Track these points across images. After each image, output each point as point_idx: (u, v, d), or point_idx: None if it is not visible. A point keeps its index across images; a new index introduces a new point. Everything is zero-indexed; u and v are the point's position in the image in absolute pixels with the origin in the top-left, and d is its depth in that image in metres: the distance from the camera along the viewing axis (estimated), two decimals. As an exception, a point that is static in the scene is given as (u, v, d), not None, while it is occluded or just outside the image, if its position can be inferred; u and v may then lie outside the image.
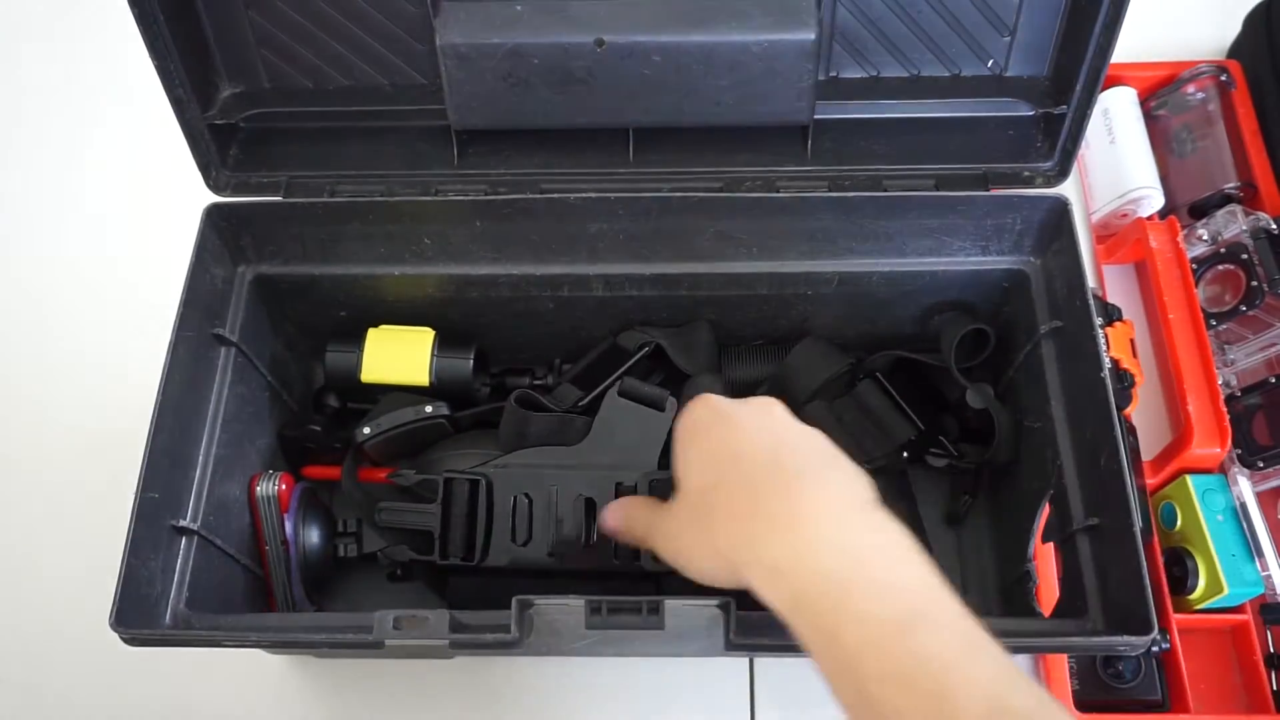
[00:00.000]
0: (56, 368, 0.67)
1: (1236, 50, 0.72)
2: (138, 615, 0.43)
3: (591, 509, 0.50)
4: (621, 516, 0.46)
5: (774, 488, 0.37)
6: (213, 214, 0.52)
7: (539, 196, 0.52)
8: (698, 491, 0.40)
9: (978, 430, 0.57)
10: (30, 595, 0.61)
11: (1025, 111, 0.53)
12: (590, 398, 0.56)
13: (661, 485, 0.48)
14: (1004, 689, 0.30)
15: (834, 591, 0.33)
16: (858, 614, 0.32)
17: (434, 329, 0.57)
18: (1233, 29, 0.73)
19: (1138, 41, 0.61)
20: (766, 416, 0.41)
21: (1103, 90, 0.61)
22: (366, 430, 0.54)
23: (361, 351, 0.56)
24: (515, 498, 0.51)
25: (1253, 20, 0.71)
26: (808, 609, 0.34)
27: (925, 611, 0.32)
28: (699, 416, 0.42)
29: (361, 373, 0.56)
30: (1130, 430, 0.60)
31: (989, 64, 0.52)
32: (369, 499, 0.56)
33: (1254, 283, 0.60)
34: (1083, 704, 0.55)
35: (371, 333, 0.56)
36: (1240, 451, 0.57)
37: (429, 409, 0.55)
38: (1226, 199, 0.65)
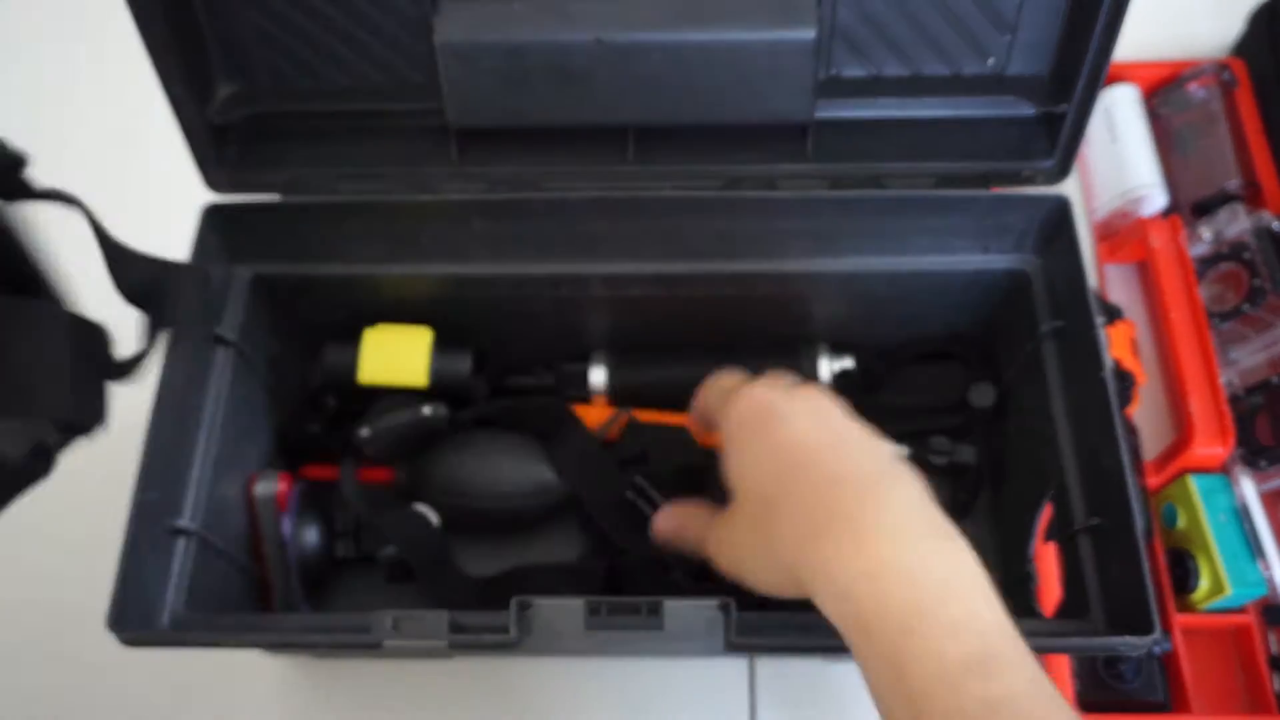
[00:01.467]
0: (56, 367, 0.67)
1: (1239, 49, 0.72)
2: (135, 616, 0.43)
3: None
4: (675, 525, 0.46)
5: (840, 503, 0.35)
6: (211, 213, 0.52)
7: (538, 195, 0.52)
8: (759, 501, 0.39)
9: (980, 429, 0.57)
10: (28, 596, 0.61)
11: (1026, 110, 0.52)
12: None
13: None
14: None
15: (904, 624, 0.32)
16: (927, 651, 0.31)
17: (433, 328, 0.57)
18: (1235, 27, 0.72)
19: (1140, 39, 0.61)
20: (823, 414, 0.39)
21: (1104, 88, 0.60)
22: (365, 432, 0.54)
23: (358, 352, 0.56)
24: None
25: (1256, 18, 0.71)
26: (876, 639, 0.33)
27: (998, 653, 0.32)
28: (748, 412, 0.40)
29: (359, 374, 0.55)
30: (1132, 430, 0.59)
31: (990, 62, 0.52)
32: (369, 500, 0.56)
33: (1257, 282, 0.59)
34: (1085, 704, 0.54)
35: (368, 332, 0.56)
36: (1243, 451, 0.57)
37: (428, 410, 0.55)
38: (1229, 198, 0.65)
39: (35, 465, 0.37)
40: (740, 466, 0.40)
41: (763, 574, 0.39)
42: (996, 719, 0.30)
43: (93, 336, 0.39)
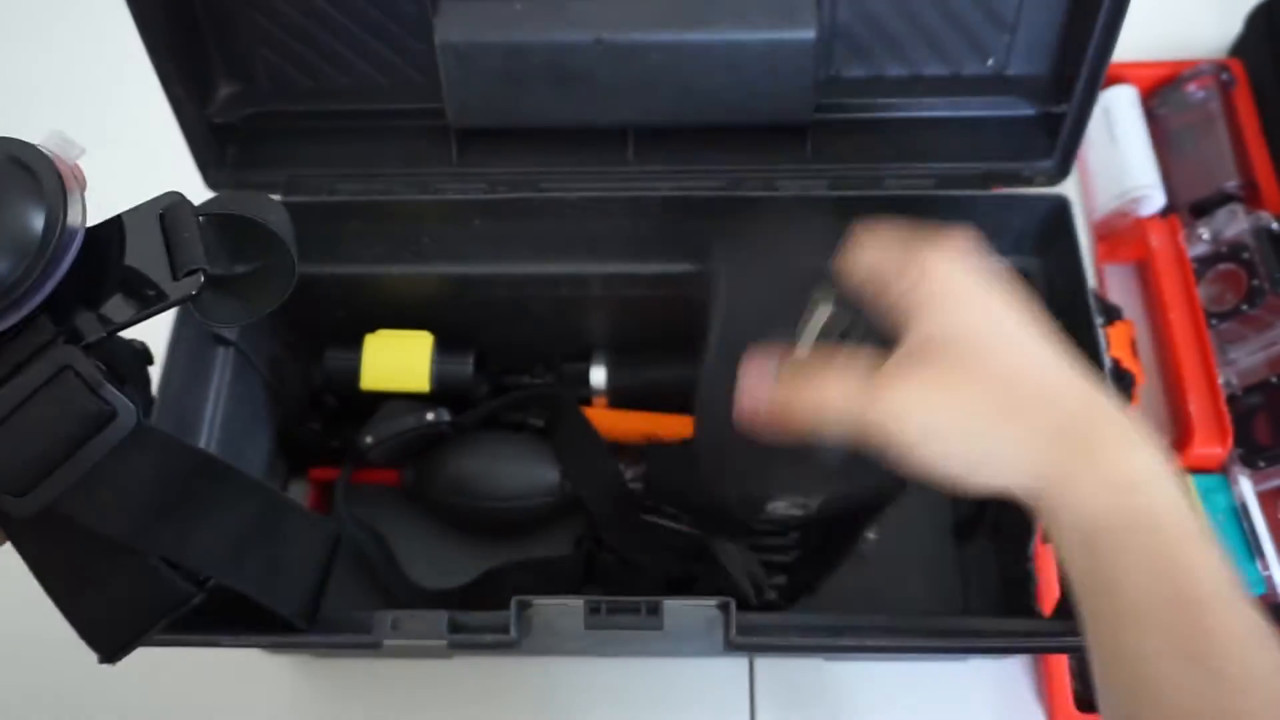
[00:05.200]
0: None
1: (1238, 49, 0.72)
2: (136, 615, 0.43)
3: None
4: (809, 390, 0.36)
5: (1084, 411, 0.33)
6: (211, 213, 0.52)
7: (538, 195, 0.52)
8: (966, 367, 0.34)
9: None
10: (29, 594, 0.61)
11: (1026, 110, 0.52)
12: None
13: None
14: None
15: (1184, 532, 0.31)
16: (1206, 565, 0.30)
17: (433, 328, 0.57)
18: (1234, 28, 0.72)
19: (1139, 40, 0.61)
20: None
21: (1104, 89, 0.61)
22: (369, 439, 0.54)
23: (360, 358, 0.56)
24: None
25: (1254, 19, 0.71)
26: (1147, 550, 0.30)
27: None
28: (969, 269, 0.36)
29: (360, 380, 0.55)
30: (1131, 430, 0.59)
31: (989, 62, 0.52)
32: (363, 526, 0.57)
33: (1255, 282, 0.60)
34: (1083, 703, 0.54)
35: (369, 339, 0.56)
36: (1242, 451, 0.57)
37: (430, 416, 0.55)
38: (1227, 198, 0.65)
39: None
40: (949, 316, 0.35)
41: (965, 454, 0.34)
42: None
43: None
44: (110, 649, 0.36)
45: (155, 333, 0.48)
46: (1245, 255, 0.60)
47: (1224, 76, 0.68)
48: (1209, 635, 0.29)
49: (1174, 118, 0.69)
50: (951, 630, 0.45)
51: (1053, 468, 0.32)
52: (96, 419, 0.30)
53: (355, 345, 0.56)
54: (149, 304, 0.31)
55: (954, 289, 0.35)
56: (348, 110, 0.54)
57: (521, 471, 0.55)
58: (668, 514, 0.54)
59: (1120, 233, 0.67)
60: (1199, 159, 0.67)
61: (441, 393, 0.56)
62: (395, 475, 0.57)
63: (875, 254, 0.38)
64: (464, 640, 0.42)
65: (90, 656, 0.58)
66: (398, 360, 0.56)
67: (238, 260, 0.35)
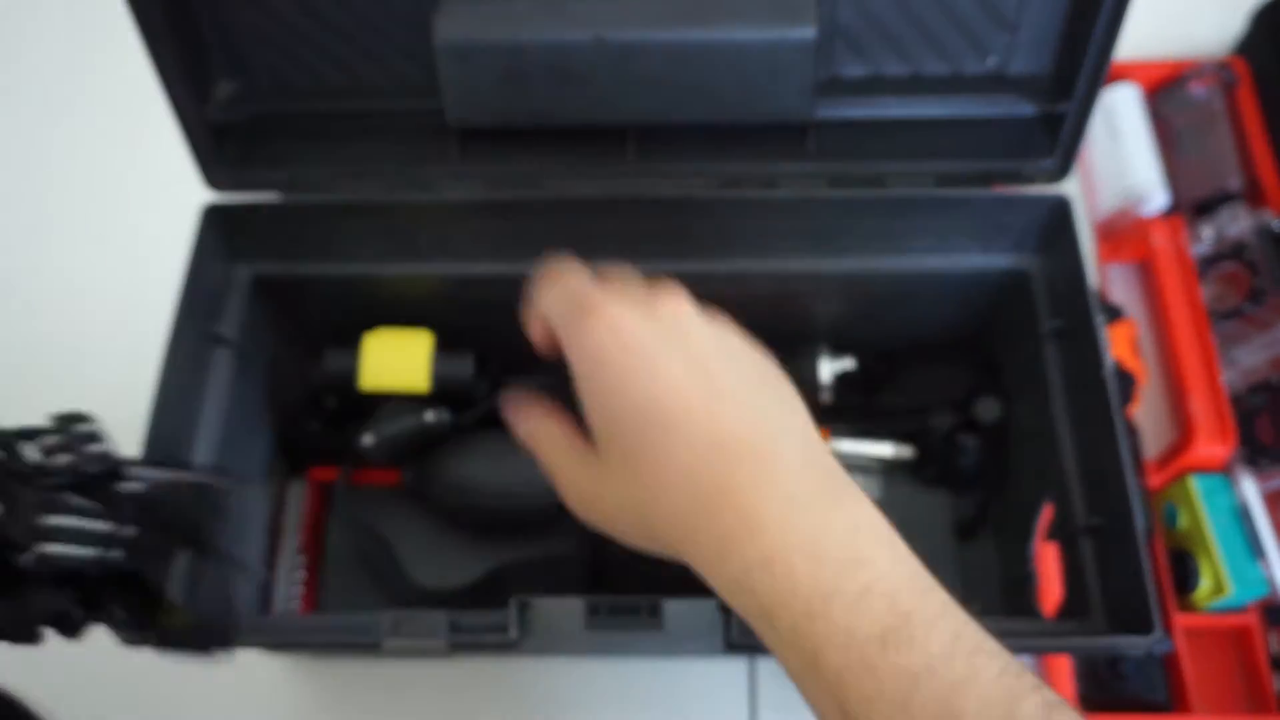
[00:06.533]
0: (52, 369, 0.67)
1: (1241, 47, 0.72)
2: (135, 616, 0.43)
3: None
4: (525, 434, 0.38)
5: (721, 477, 0.30)
6: (210, 213, 0.52)
7: (538, 195, 0.52)
8: (621, 457, 0.32)
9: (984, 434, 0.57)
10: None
11: (1027, 109, 0.52)
12: None
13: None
14: (1009, 695, 0.27)
15: (809, 609, 0.28)
16: (836, 632, 0.28)
17: (433, 328, 0.57)
18: (1237, 26, 0.72)
19: (1141, 39, 0.61)
20: (695, 354, 0.33)
21: (1105, 88, 0.60)
22: (368, 440, 0.54)
23: (359, 357, 0.55)
24: None
25: (1258, 17, 0.71)
26: (782, 628, 0.29)
27: (911, 614, 0.28)
28: (606, 349, 0.33)
29: (360, 380, 0.55)
30: (1133, 430, 0.59)
31: (990, 61, 0.52)
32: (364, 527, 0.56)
33: (1258, 281, 0.59)
34: (1085, 703, 0.54)
35: (368, 338, 0.56)
36: (1245, 451, 0.57)
37: (430, 416, 0.55)
38: (1230, 197, 0.64)
39: None
40: (600, 412, 0.33)
41: (633, 539, 0.34)
42: (918, 694, 0.27)
43: None
44: None
45: (153, 331, 0.48)
46: (1248, 255, 0.60)
47: (1227, 75, 0.68)
48: None
49: (1177, 116, 0.69)
50: (952, 631, 0.45)
51: (691, 555, 0.31)
52: None
53: (355, 345, 0.56)
54: None
55: (611, 358, 0.33)
56: (348, 110, 0.54)
57: (522, 470, 0.55)
58: None
59: (1122, 232, 0.67)
60: (1202, 158, 0.67)
61: (441, 393, 0.56)
62: (395, 475, 0.57)
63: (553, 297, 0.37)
64: (464, 640, 0.42)
65: (90, 657, 0.58)
66: (397, 360, 0.56)
67: None
